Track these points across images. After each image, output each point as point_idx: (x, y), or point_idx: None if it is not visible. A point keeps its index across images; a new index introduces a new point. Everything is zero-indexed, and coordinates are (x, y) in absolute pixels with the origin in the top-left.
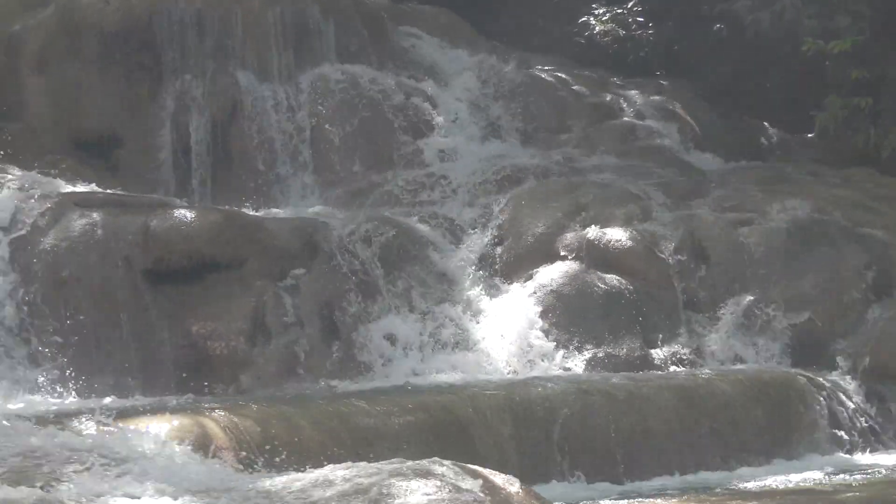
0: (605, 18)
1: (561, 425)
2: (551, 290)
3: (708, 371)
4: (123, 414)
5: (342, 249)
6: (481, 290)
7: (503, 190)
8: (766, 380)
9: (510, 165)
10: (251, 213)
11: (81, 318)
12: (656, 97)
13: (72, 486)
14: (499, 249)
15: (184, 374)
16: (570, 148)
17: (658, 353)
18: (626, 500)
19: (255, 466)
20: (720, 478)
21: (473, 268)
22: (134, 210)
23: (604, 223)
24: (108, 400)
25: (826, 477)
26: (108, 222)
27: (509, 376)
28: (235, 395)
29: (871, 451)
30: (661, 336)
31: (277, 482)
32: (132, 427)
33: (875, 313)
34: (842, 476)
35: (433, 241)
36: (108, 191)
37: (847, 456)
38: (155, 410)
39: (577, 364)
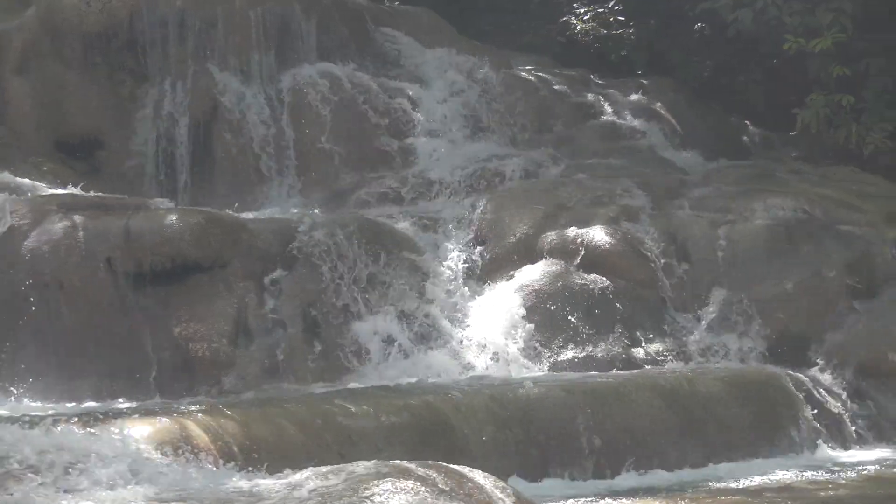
0: (586, 18)
1: (543, 424)
2: (533, 290)
3: (690, 369)
4: (105, 417)
5: (324, 250)
6: (463, 290)
7: (485, 190)
8: (748, 378)
9: (492, 165)
10: (233, 214)
11: (63, 321)
12: (638, 96)
13: (50, 490)
14: (481, 249)
15: (166, 377)
16: (552, 147)
17: (640, 352)
18: (608, 499)
19: (237, 468)
20: (703, 475)
21: (455, 268)
22: (116, 212)
23: (586, 223)
24: (90, 403)
25: (808, 474)
26: (89, 224)
27: (492, 376)
28: (218, 397)
29: (853, 449)
30: (643, 335)
31: (258, 484)
32: (113, 430)
33: (857, 310)
34: (824, 473)
35: (415, 242)
36: (90, 193)
37: (829, 453)
38: (136, 413)
39: (560, 363)
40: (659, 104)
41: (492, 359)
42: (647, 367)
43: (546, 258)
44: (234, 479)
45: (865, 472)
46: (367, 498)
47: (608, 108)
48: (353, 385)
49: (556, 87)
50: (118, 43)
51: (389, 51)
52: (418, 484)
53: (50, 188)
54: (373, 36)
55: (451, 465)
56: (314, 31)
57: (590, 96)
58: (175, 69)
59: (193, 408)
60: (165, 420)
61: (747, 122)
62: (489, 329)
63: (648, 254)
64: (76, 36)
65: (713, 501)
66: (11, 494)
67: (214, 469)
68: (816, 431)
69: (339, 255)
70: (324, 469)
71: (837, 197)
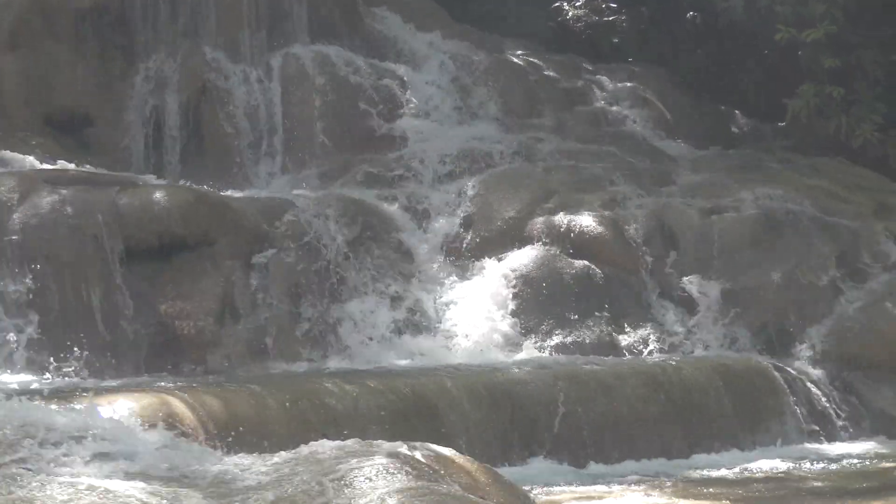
0: (578, 4)
1: (527, 410)
2: (520, 275)
3: (675, 358)
4: (90, 392)
5: (311, 230)
6: (450, 273)
7: (474, 173)
8: (733, 367)
9: (481, 149)
10: (221, 193)
11: (50, 296)
12: (628, 83)
13: (32, 464)
14: (468, 233)
15: (152, 354)
16: (541, 132)
17: (626, 339)
18: (591, 485)
19: (221, 446)
20: (687, 464)
21: (442, 251)
22: (104, 188)
23: (574, 208)
24: (75, 378)
25: (792, 465)
26: (77, 199)
27: (477, 360)
28: (203, 375)
29: (836, 440)
30: (629, 322)
31: (241, 462)
32: (98, 405)
33: (843, 302)
34: (807, 464)
35: (402, 224)
36: (79, 168)
37: (813, 444)
38: (121, 389)
39: (545, 349)
40: (649, 92)
41: (477, 342)
42: (632, 354)
43: (533, 243)
44: (217, 457)
45: (849, 463)
46: (352, 476)
47: (598, 95)
48: (338, 366)
49: (546, 72)
50: (109, 20)
51: (381, 33)
52: (403, 464)
53: (39, 163)
54: (364, 18)
55: (436, 447)
56: (305, 11)
57: (580, 82)
58: (166, 47)
59: (178, 385)
60: (149, 397)
61: (737, 112)
62: (475, 312)
63: (636, 241)
64: (67, 12)
65: (695, 490)
66: None
67: (198, 447)
68: (801, 422)
69: (327, 236)
70: (308, 448)
71: (826, 188)
